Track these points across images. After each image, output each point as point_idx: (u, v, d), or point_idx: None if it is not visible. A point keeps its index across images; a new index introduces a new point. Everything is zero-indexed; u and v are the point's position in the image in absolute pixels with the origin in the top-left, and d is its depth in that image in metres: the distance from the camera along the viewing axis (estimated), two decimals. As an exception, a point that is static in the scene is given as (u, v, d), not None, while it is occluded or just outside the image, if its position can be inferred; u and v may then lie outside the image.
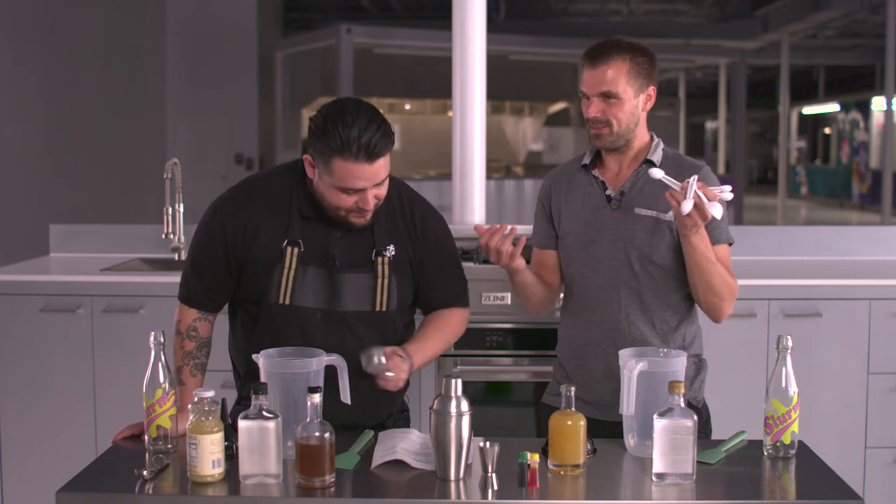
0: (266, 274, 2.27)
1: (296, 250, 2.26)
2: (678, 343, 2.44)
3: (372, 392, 2.21)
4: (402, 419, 2.47)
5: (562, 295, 2.59)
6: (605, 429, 2.27)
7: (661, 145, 2.48)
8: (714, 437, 2.46)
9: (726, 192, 2.20)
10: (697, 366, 2.48)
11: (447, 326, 2.41)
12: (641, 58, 2.41)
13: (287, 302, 2.26)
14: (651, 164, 2.43)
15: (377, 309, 2.29)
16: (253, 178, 2.43)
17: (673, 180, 2.21)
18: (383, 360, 2.16)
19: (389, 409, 2.41)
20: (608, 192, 2.44)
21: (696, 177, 2.17)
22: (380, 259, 2.29)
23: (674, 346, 2.42)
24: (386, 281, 2.30)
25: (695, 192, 2.15)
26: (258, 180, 2.40)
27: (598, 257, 2.43)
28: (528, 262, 2.48)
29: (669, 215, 2.28)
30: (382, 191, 2.23)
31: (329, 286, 2.27)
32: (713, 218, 2.23)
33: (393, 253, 2.31)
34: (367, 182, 2.17)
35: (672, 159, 2.45)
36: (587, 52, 2.41)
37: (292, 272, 2.26)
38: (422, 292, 2.40)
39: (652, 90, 2.44)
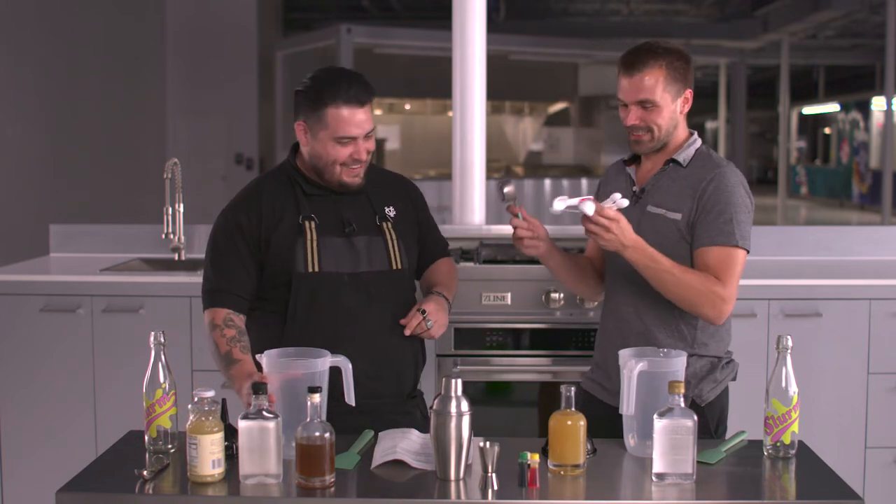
0: (290, 251, 2.41)
1: (312, 224, 2.43)
2: (687, 340, 2.43)
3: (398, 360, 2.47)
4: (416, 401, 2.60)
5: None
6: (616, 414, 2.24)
7: (696, 144, 2.48)
8: (731, 426, 2.49)
9: (618, 201, 2.29)
10: (713, 365, 2.46)
11: (452, 269, 2.71)
12: (677, 62, 2.41)
13: (317, 269, 2.41)
14: (676, 162, 2.45)
15: (394, 267, 2.48)
16: (253, 181, 2.63)
17: (573, 203, 2.26)
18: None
19: (414, 378, 2.58)
20: (634, 189, 2.50)
21: (584, 199, 2.25)
22: (384, 224, 2.50)
23: (682, 343, 2.42)
24: (394, 241, 2.50)
25: (567, 205, 2.26)
26: (258, 179, 2.62)
27: (614, 256, 2.44)
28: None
29: (676, 215, 2.33)
30: (371, 144, 2.43)
31: (349, 251, 2.45)
32: (717, 216, 2.31)
33: (393, 214, 2.53)
34: (358, 129, 2.38)
35: (699, 159, 2.46)
36: (623, 60, 2.42)
37: (314, 243, 2.42)
38: (421, 248, 2.63)
39: (689, 93, 2.45)
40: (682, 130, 2.48)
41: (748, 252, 2.40)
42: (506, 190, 2.41)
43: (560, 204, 2.27)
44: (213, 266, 2.46)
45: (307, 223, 2.43)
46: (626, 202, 2.29)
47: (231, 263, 2.43)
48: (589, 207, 2.24)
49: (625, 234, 2.26)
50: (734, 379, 2.56)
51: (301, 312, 2.40)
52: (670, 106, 2.40)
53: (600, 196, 2.54)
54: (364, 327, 2.43)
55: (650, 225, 2.41)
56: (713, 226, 2.34)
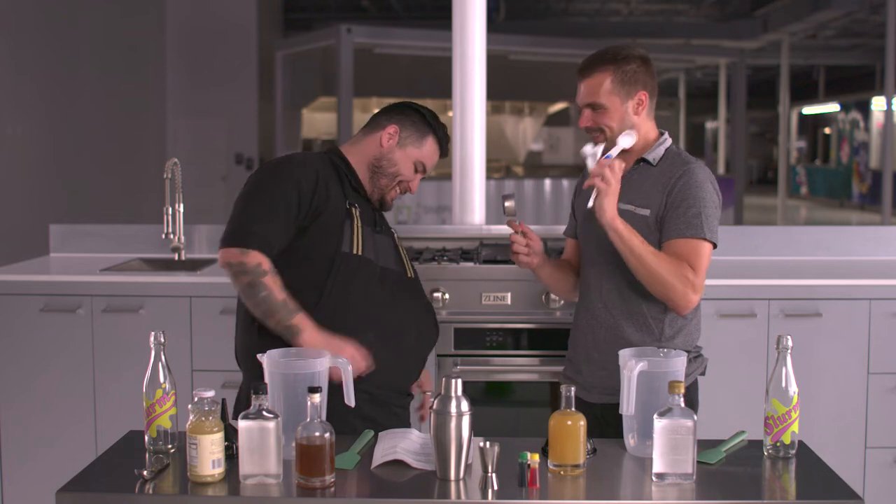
0: (338, 228, 2.46)
1: (357, 211, 2.51)
2: (655, 335, 2.47)
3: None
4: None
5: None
6: (587, 408, 2.29)
7: (666, 144, 2.53)
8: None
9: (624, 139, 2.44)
10: None
11: None
12: (628, 66, 2.49)
13: (359, 253, 2.47)
14: (646, 161, 2.51)
15: (409, 275, 2.61)
16: (298, 154, 2.65)
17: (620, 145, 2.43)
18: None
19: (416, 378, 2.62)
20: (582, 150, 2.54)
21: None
22: (396, 235, 2.67)
23: (650, 337, 2.46)
24: (405, 252, 2.65)
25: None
26: (304, 154, 2.66)
27: (590, 248, 2.57)
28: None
29: (645, 211, 2.42)
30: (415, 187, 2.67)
31: (380, 246, 2.55)
32: (686, 210, 2.39)
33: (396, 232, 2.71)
34: (430, 168, 2.65)
35: (668, 158, 2.51)
36: (578, 67, 2.57)
37: (360, 229, 2.50)
38: None
39: (643, 95, 2.50)
40: (651, 130, 2.55)
41: (715, 247, 2.44)
42: (507, 205, 2.55)
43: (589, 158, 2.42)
44: (260, 208, 2.41)
45: (353, 209, 2.50)
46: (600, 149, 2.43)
47: (278, 214, 2.40)
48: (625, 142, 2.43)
49: (614, 196, 2.36)
50: (703, 374, 2.58)
51: (338, 290, 2.42)
52: (620, 108, 2.48)
53: (577, 195, 2.69)
54: (386, 318, 2.48)
55: (622, 221, 2.44)
56: (682, 219, 2.40)
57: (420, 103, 2.70)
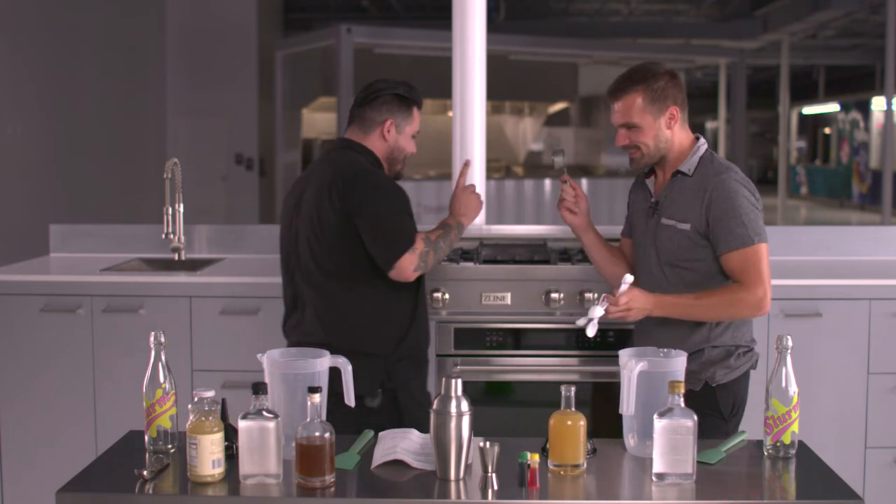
0: None
1: None
2: (703, 336, 2.57)
3: None
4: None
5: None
6: None
7: (700, 151, 2.63)
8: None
9: (627, 280, 2.45)
10: (728, 353, 2.59)
11: None
12: (657, 84, 2.59)
13: None
14: (682, 173, 2.61)
15: None
16: (382, 172, 2.90)
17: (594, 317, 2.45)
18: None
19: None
20: (652, 200, 2.67)
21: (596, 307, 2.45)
22: None
23: (703, 329, 2.56)
24: None
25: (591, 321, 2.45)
26: (381, 171, 2.92)
27: (639, 259, 2.70)
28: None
29: (685, 225, 2.53)
30: None
31: None
32: (727, 222, 2.49)
33: None
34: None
35: (703, 167, 2.61)
36: (609, 88, 2.65)
37: None
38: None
39: (674, 109, 2.61)
40: (685, 139, 2.64)
41: (766, 243, 2.54)
42: (556, 159, 2.79)
43: (589, 324, 2.45)
44: (408, 216, 2.81)
45: None
46: (631, 278, 2.46)
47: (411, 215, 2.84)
48: (598, 312, 2.44)
49: (643, 304, 2.47)
50: (754, 368, 2.66)
51: (423, 292, 2.87)
52: (653, 125, 2.59)
53: (631, 205, 2.82)
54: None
55: (666, 235, 2.61)
56: (730, 233, 2.50)
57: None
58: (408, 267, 2.70)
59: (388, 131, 2.86)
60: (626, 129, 2.61)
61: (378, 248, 2.70)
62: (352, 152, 2.85)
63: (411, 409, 2.76)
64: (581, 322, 2.45)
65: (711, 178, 2.55)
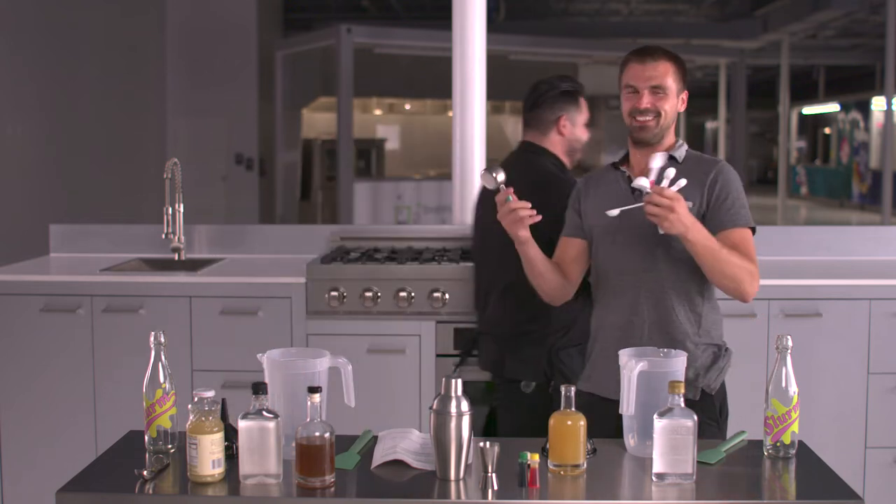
0: None
1: None
2: (694, 329, 2.51)
3: None
4: None
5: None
6: (610, 408, 2.29)
7: (685, 147, 2.62)
8: (731, 426, 2.52)
9: (678, 182, 2.37)
10: (715, 355, 2.55)
11: None
12: (679, 64, 2.61)
13: None
14: (674, 158, 2.56)
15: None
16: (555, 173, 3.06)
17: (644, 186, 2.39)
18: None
19: None
20: (633, 185, 2.54)
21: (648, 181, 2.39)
22: None
23: (690, 331, 2.50)
24: None
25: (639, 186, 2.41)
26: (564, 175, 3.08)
27: (624, 247, 2.55)
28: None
29: (688, 203, 2.40)
30: None
31: None
32: (732, 202, 2.48)
33: None
34: None
35: (693, 158, 2.60)
36: (636, 51, 2.61)
37: None
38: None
39: (686, 95, 2.62)
40: (673, 134, 2.63)
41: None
42: (497, 177, 2.45)
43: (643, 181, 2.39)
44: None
45: None
46: (684, 181, 2.38)
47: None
48: (645, 182, 2.37)
49: (686, 214, 2.35)
50: (729, 367, 2.64)
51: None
52: (675, 98, 2.57)
53: (582, 200, 2.66)
54: None
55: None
56: (732, 211, 2.51)
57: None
58: None
59: (564, 126, 3.07)
60: (653, 94, 2.53)
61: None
62: (532, 155, 3.08)
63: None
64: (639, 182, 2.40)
65: (712, 163, 2.58)
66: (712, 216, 2.51)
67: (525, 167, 3.01)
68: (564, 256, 2.67)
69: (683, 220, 2.33)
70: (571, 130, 3.08)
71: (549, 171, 3.03)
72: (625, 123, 2.59)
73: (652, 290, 2.52)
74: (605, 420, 2.30)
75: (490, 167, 2.46)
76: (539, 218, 2.44)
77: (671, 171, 2.38)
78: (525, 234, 2.49)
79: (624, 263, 2.56)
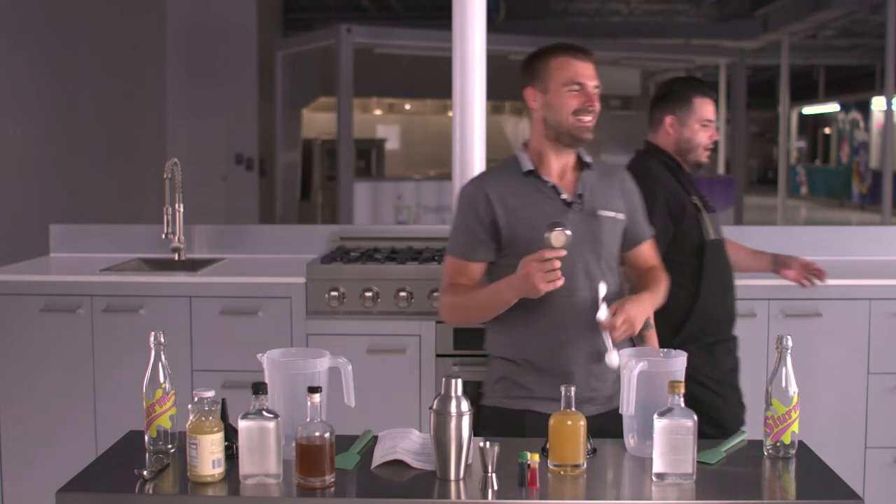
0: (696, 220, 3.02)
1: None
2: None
3: None
4: None
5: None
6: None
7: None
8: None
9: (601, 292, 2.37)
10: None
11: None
12: None
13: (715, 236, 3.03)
14: (588, 166, 2.49)
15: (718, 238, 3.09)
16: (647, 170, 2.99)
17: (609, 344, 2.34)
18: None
19: None
20: (563, 196, 2.43)
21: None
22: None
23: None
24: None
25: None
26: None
27: (564, 260, 2.29)
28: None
29: (621, 215, 2.47)
30: None
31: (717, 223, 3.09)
32: (641, 212, 2.56)
33: None
34: (714, 113, 3.10)
35: (598, 163, 2.54)
36: (573, 45, 2.46)
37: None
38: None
39: None
40: None
41: None
42: (568, 232, 2.22)
43: (611, 354, 2.34)
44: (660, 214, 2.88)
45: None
46: (604, 288, 2.37)
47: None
48: (608, 341, 2.35)
49: (636, 309, 2.35)
50: None
51: (711, 273, 2.97)
52: None
53: (499, 215, 2.42)
54: None
55: (608, 227, 2.46)
56: (643, 221, 2.59)
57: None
58: None
59: (672, 126, 3.05)
60: (595, 93, 2.43)
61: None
62: (643, 153, 3.10)
63: (697, 395, 2.75)
64: (611, 359, 2.32)
65: (618, 169, 2.60)
66: (633, 227, 2.54)
67: (632, 164, 3.04)
68: (469, 277, 2.46)
69: (641, 314, 2.36)
70: (679, 131, 3.04)
71: (642, 168, 2.94)
72: (567, 124, 2.41)
73: (591, 298, 2.39)
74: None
75: (562, 225, 2.23)
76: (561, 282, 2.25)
77: (601, 288, 2.36)
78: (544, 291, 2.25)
79: (572, 278, 2.36)
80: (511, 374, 2.44)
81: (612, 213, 2.46)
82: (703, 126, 3.04)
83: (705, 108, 3.04)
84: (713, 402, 2.89)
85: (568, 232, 2.20)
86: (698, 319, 2.91)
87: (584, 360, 2.40)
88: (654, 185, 2.89)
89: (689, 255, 2.93)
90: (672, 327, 2.87)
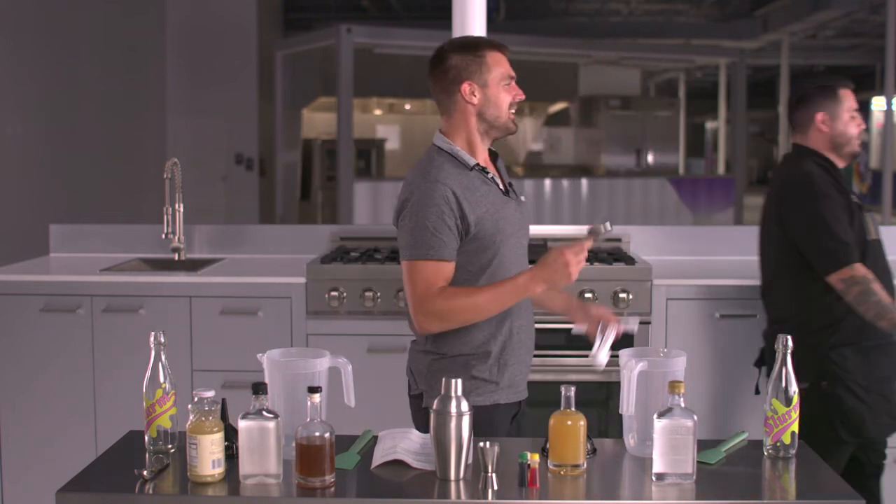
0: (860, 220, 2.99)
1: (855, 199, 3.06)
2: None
3: None
4: None
5: None
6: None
7: None
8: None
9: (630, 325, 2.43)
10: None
11: None
12: None
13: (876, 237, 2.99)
14: (497, 155, 2.57)
15: None
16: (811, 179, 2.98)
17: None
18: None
19: None
20: (500, 188, 2.50)
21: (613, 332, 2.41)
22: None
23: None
24: None
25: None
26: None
27: (509, 249, 2.46)
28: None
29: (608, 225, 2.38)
30: None
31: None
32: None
33: None
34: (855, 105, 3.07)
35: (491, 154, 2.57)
36: (496, 42, 2.50)
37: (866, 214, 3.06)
38: None
39: None
40: None
41: None
42: (607, 225, 2.34)
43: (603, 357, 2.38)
44: (834, 226, 2.88)
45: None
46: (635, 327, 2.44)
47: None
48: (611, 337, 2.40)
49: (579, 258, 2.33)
50: None
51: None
52: None
53: (467, 212, 2.39)
54: None
55: (527, 214, 2.59)
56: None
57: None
58: (835, 280, 2.86)
59: (824, 123, 3.00)
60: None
61: (816, 255, 2.87)
62: (795, 157, 3.06)
63: (843, 400, 2.83)
64: (597, 358, 2.37)
65: (495, 158, 2.57)
66: None
67: (786, 169, 3.07)
68: (449, 278, 2.44)
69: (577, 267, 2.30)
70: (832, 125, 3.00)
71: (803, 173, 2.97)
72: (504, 117, 2.45)
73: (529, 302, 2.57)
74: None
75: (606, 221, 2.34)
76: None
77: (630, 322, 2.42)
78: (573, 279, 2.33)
79: (512, 265, 2.46)
80: (474, 370, 2.45)
81: (524, 199, 2.58)
82: (852, 117, 3.02)
83: (851, 98, 3.03)
84: (857, 409, 2.85)
85: (607, 224, 2.33)
86: (857, 321, 2.85)
87: (532, 344, 2.59)
88: (827, 188, 2.90)
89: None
90: (829, 326, 2.87)
